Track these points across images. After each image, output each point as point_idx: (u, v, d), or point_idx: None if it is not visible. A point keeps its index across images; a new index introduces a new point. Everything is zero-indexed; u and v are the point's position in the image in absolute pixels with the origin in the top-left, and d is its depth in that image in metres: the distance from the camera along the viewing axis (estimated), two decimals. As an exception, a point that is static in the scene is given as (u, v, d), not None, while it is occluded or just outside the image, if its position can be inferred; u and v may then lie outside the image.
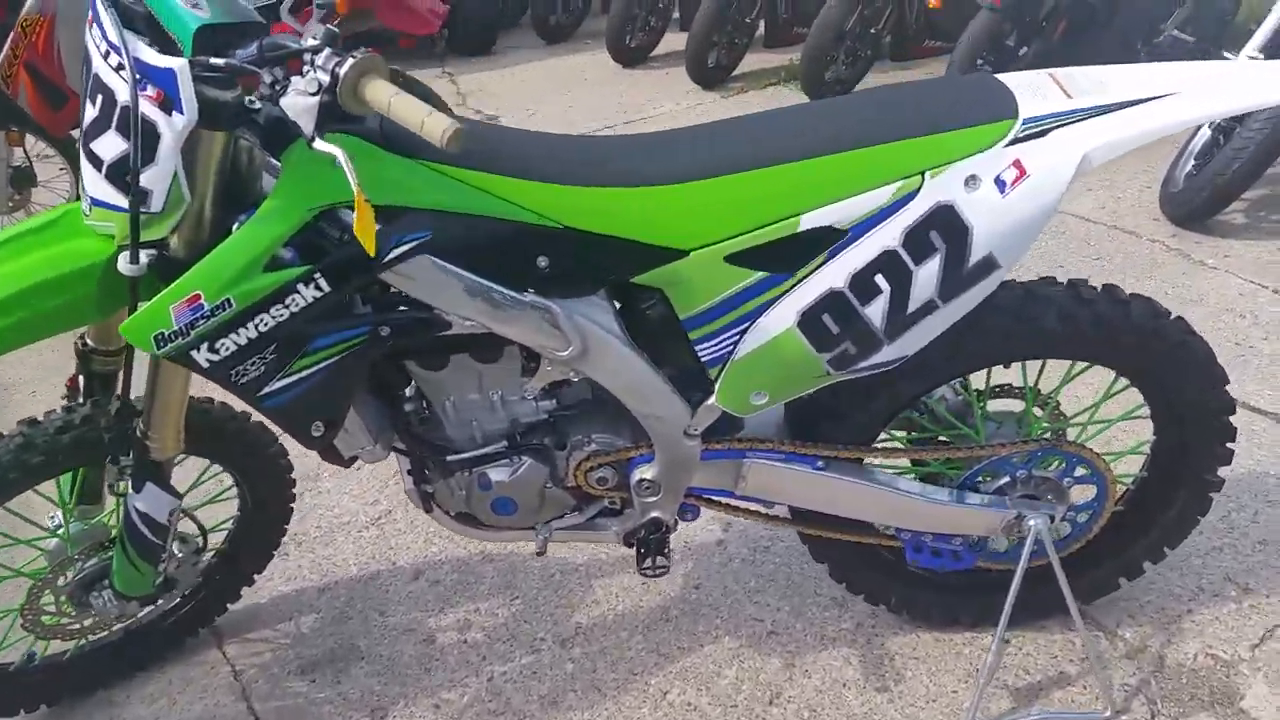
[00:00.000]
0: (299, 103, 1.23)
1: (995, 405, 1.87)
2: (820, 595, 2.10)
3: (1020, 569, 1.76)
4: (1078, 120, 1.42)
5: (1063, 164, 1.41)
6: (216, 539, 2.02)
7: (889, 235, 1.44)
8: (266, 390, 1.44)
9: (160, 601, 1.92)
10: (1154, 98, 1.43)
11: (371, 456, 1.62)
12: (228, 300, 1.35)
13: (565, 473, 1.70)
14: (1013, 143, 1.42)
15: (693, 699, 1.92)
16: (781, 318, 1.49)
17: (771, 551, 2.23)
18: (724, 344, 1.52)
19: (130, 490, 1.67)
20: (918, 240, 1.43)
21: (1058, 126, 1.42)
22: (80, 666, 1.96)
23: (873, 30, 5.27)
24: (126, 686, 2.02)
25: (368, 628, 2.12)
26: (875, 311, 1.47)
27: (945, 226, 1.43)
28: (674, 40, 6.15)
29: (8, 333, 1.38)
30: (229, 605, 2.10)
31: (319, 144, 1.23)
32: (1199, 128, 3.58)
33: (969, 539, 1.81)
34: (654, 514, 1.73)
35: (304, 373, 1.44)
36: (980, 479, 1.77)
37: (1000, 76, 1.52)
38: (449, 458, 1.65)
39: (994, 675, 1.86)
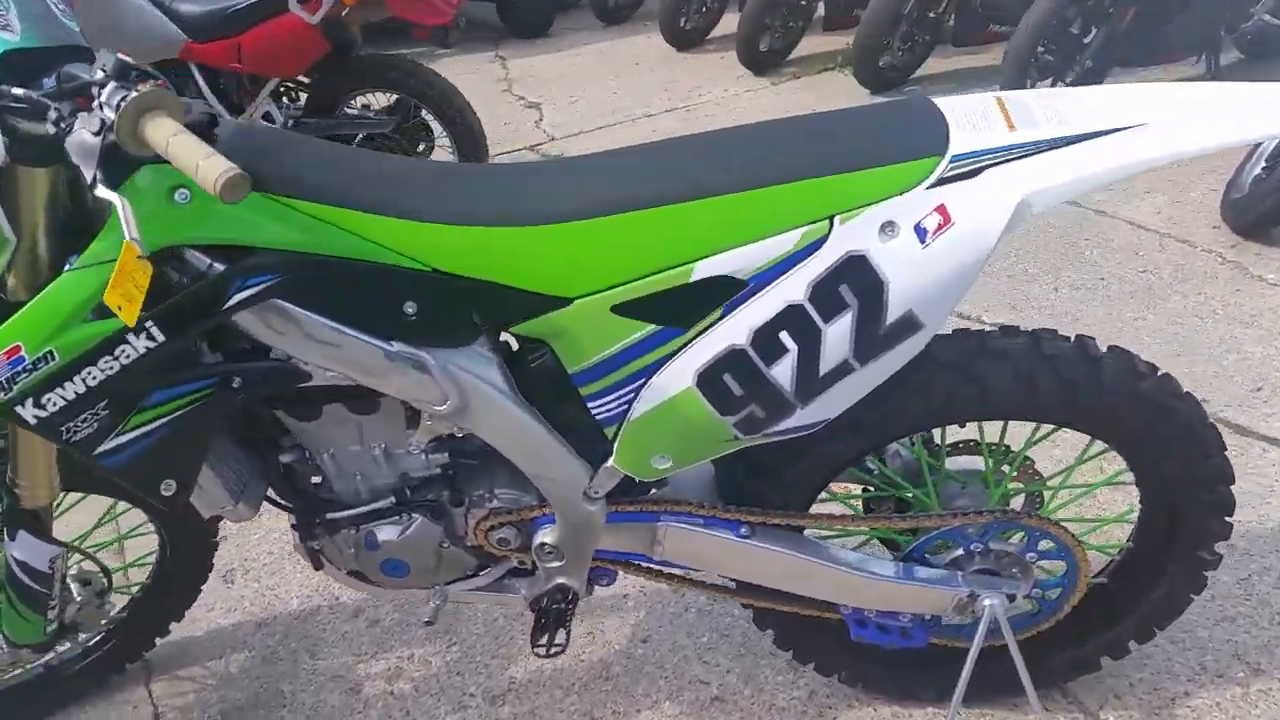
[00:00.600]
0: (81, 142, 1.10)
1: (963, 461, 1.66)
2: (775, 657, 1.91)
3: (972, 654, 1.56)
4: (1017, 157, 1.20)
5: (994, 211, 1.19)
6: (141, 574, 1.93)
7: (794, 288, 1.24)
8: (103, 449, 1.31)
9: (65, 645, 1.83)
10: (1116, 129, 1.20)
11: (235, 516, 1.48)
12: (50, 352, 1.23)
13: (465, 531, 1.55)
14: (937, 184, 1.21)
15: (621, 770, 1.76)
16: (678, 376, 1.31)
17: (732, 601, 2.05)
18: (618, 402, 1.35)
19: (5, 539, 1.57)
20: (826, 295, 1.24)
21: (992, 165, 1.21)
22: (-10, 707, 1.89)
23: (931, 14, 4.97)
24: (43, 727, 1.95)
25: (296, 670, 2.01)
26: (783, 372, 1.28)
27: (857, 280, 1.23)
28: (732, 22, 5.91)
29: None
30: (158, 640, 2.00)
31: (101, 191, 1.10)
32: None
33: (920, 615, 1.61)
34: (559, 580, 1.57)
35: (144, 429, 1.32)
36: (931, 549, 1.57)
37: (940, 101, 1.30)
38: (330, 515, 1.52)
39: (948, 766, 1.67)
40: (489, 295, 1.29)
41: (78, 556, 1.78)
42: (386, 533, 1.53)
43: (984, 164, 1.21)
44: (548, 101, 5.26)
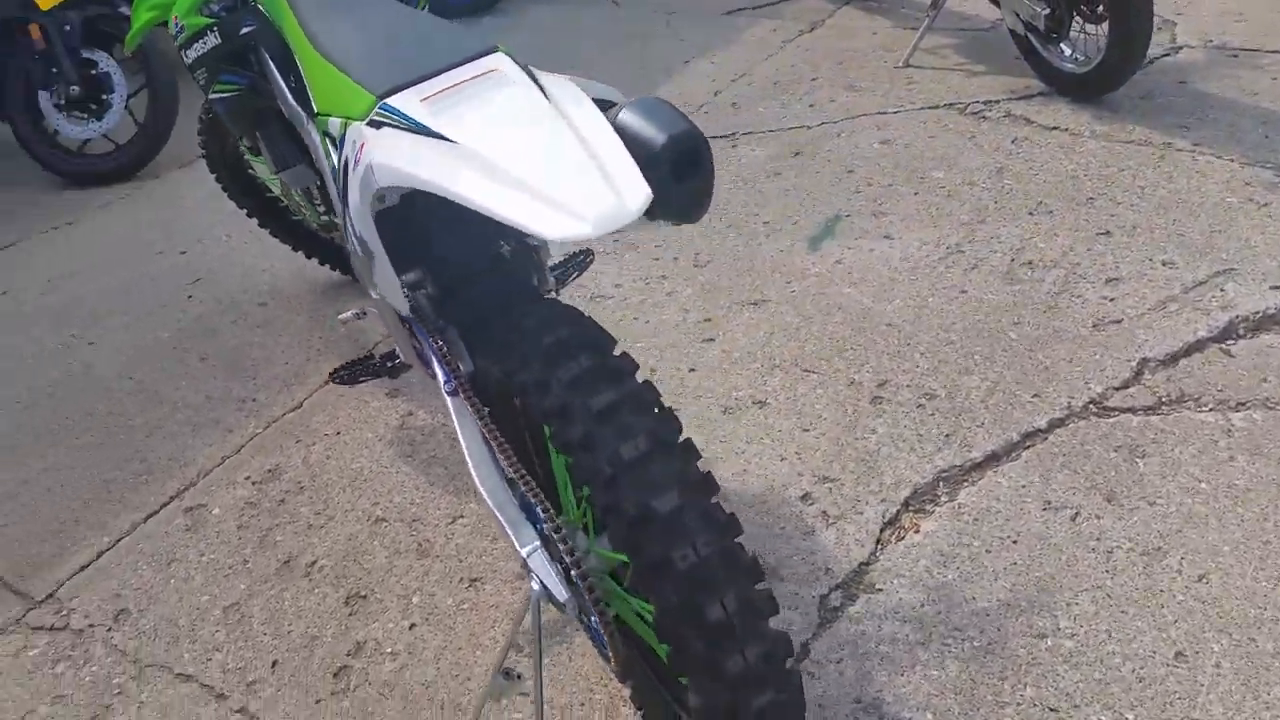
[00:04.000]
0: None
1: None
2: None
3: (517, 623, 1.59)
4: (403, 129, 1.23)
5: (363, 166, 1.24)
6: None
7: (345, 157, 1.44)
8: (211, 97, 2.07)
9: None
10: (446, 139, 1.15)
11: (286, 181, 2.15)
12: (182, 25, 2.01)
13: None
14: (369, 124, 1.30)
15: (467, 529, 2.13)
16: None
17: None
18: None
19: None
20: (345, 179, 1.42)
21: (392, 127, 1.24)
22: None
23: None
24: None
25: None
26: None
27: (347, 182, 1.39)
28: None
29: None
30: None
31: None
32: None
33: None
34: (395, 347, 1.94)
35: (221, 95, 2.04)
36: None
37: (486, 60, 1.30)
38: (327, 216, 2.10)
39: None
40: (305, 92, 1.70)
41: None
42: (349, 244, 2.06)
43: (387, 123, 1.25)
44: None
